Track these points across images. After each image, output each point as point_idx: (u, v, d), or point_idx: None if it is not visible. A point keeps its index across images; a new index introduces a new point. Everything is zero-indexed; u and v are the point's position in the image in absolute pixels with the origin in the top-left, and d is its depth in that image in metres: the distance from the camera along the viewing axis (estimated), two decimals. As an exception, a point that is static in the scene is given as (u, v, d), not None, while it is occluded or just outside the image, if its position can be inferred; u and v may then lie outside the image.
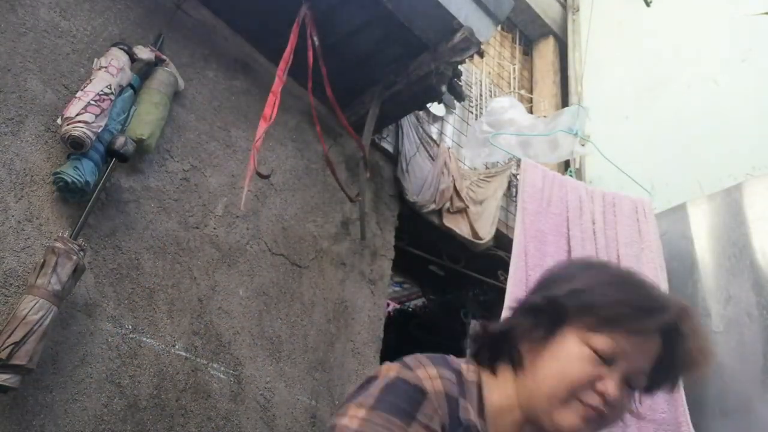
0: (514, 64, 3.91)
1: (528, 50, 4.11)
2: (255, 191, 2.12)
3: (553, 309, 0.91)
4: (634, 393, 0.90)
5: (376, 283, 2.46)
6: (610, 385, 0.86)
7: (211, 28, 2.20)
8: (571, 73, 3.79)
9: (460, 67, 2.25)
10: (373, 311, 2.41)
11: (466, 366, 0.91)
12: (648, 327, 0.88)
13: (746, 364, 1.94)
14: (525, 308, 0.95)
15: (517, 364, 0.93)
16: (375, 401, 0.76)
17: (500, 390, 0.92)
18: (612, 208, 2.23)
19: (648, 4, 3.45)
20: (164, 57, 1.92)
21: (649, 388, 0.93)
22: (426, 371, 0.83)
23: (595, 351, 0.87)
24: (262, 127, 1.81)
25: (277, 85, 1.90)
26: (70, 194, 1.60)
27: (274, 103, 1.86)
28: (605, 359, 0.87)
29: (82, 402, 1.53)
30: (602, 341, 0.88)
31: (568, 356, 0.89)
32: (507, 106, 2.67)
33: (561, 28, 4.03)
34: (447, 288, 3.67)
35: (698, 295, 2.16)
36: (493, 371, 0.93)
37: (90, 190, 1.62)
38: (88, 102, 1.59)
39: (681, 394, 1.81)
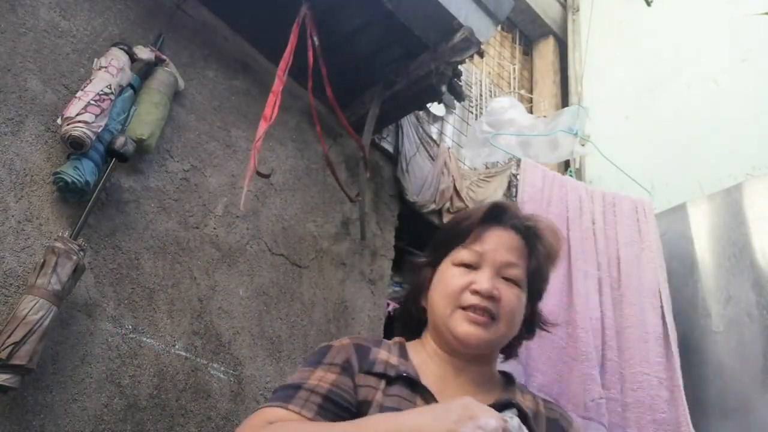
0: (514, 64, 3.91)
1: (528, 50, 4.11)
2: (255, 191, 2.12)
3: (428, 258, 1.09)
4: (518, 288, 1.01)
5: (376, 283, 2.46)
6: (481, 281, 0.98)
7: (211, 28, 2.20)
8: (571, 73, 3.79)
9: (460, 67, 2.25)
10: (373, 311, 2.41)
11: (394, 340, 1.07)
12: (472, 222, 1.04)
13: (746, 364, 1.94)
14: (413, 271, 1.13)
15: (423, 316, 1.08)
16: (303, 362, 1.00)
17: (422, 345, 1.06)
18: (612, 208, 2.23)
19: (649, 4, 3.45)
20: (164, 57, 1.92)
21: (536, 285, 1.07)
22: (343, 338, 1.01)
23: (462, 264, 1.02)
24: (263, 127, 1.81)
25: (278, 85, 1.90)
26: (70, 194, 1.60)
27: (275, 103, 1.86)
28: (471, 266, 1.01)
29: (82, 402, 1.53)
30: (462, 254, 1.03)
31: (444, 278, 1.03)
32: (507, 106, 2.67)
33: (561, 28, 4.03)
34: (447, 288, 3.67)
35: (698, 295, 2.16)
36: (419, 337, 1.08)
37: (90, 190, 1.62)
38: (88, 102, 1.59)
39: (681, 394, 1.81)
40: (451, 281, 1.01)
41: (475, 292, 0.97)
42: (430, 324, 1.06)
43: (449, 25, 2.07)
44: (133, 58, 1.81)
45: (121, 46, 1.79)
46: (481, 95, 3.50)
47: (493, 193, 2.96)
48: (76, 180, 1.56)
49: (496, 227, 1.05)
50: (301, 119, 2.39)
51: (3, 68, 1.63)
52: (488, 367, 1.05)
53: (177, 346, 1.75)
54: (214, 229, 1.97)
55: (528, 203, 2.13)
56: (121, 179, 1.78)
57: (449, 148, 2.99)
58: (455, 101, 2.66)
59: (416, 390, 0.93)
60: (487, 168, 3.13)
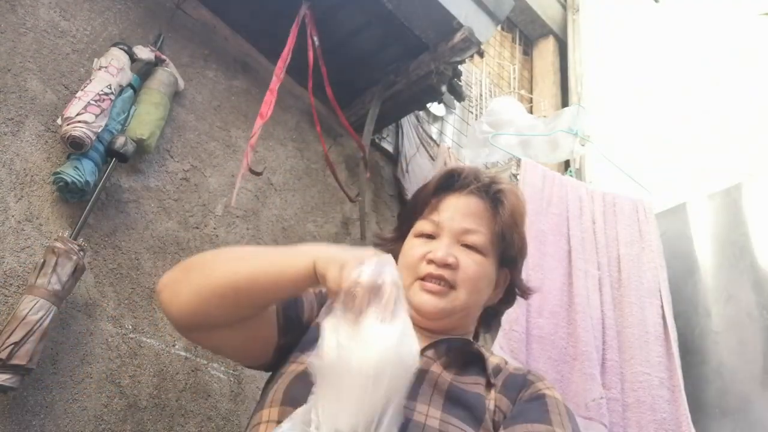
0: (514, 64, 3.91)
1: (528, 50, 4.11)
2: (255, 191, 2.12)
3: (394, 234, 1.11)
4: (480, 255, 0.98)
5: (376, 283, 2.46)
6: (437, 249, 0.97)
7: (211, 28, 2.20)
8: (571, 73, 3.79)
9: (460, 67, 2.25)
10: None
11: None
12: (429, 192, 1.05)
13: (746, 364, 1.94)
14: (381, 249, 1.11)
15: None
16: None
17: None
18: (612, 208, 2.23)
19: (657, 0, 3.43)
20: (164, 57, 1.92)
21: (506, 250, 1.04)
22: None
23: (421, 235, 1.02)
24: (258, 124, 1.82)
25: (275, 83, 1.90)
26: (70, 194, 1.60)
27: (271, 102, 1.86)
28: (431, 236, 1.01)
29: (82, 402, 1.53)
30: (422, 225, 1.03)
31: (404, 251, 1.04)
32: (507, 106, 2.67)
33: (561, 28, 4.03)
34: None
35: (698, 295, 2.16)
36: None
37: (90, 190, 1.62)
38: (88, 102, 1.59)
39: (682, 394, 1.82)
40: (409, 252, 1.01)
41: (430, 261, 0.96)
42: None
43: (449, 25, 2.07)
44: (133, 58, 1.81)
45: (121, 46, 1.79)
46: (481, 95, 3.50)
47: (493, 193, 2.96)
48: (76, 180, 1.56)
49: (454, 194, 1.04)
50: (301, 119, 2.39)
51: (3, 68, 1.63)
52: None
53: (177, 346, 1.75)
54: (214, 229, 1.97)
55: (528, 203, 2.13)
56: (121, 179, 1.78)
57: (449, 148, 2.99)
58: (455, 101, 2.66)
59: None
60: (487, 168, 3.12)
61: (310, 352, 0.85)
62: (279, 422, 0.77)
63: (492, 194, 1.04)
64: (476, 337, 1.14)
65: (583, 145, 2.60)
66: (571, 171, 2.65)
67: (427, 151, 2.83)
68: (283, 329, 0.96)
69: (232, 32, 2.26)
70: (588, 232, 2.12)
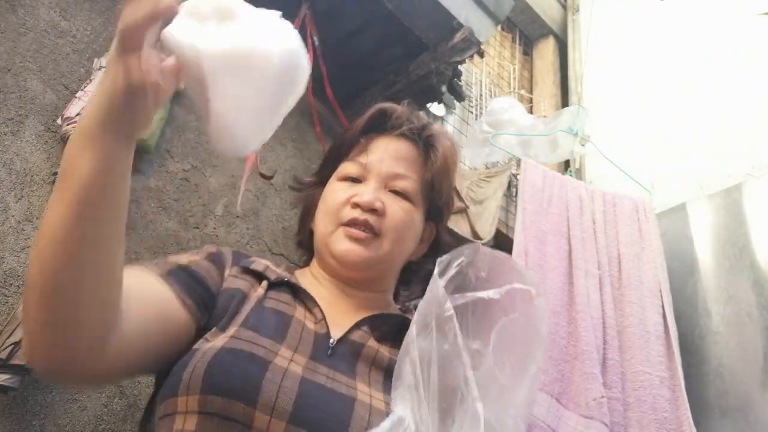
0: (514, 64, 3.91)
1: (528, 50, 4.11)
2: (255, 191, 2.12)
3: (315, 177, 1.04)
4: (408, 202, 0.92)
5: (376, 283, 2.46)
6: (363, 193, 0.90)
7: (211, 28, 2.20)
8: (571, 73, 3.79)
9: (460, 67, 2.25)
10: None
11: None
12: (356, 132, 0.97)
13: (746, 364, 1.94)
14: (300, 193, 1.08)
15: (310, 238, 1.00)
16: None
17: (309, 270, 1.00)
18: (612, 207, 2.23)
19: None
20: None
21: (434, 200, 0.98)
22: None
23: (346, 178, 0.95)
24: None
25: (276, 85, 1.89)
26: (70, 194, 1.60)
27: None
28: (356, 179, 0.94)
29: (82, 402, 1.52)
30: (347, 167, 0.96)
31: (326, 194, 0.96)
32: (507, 106, 2.67)
33: (561, 28, 4.03)
34: (447, 288, 3.66)
35: (698, 295, 2.16)
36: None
37: (90, 190, 1.61)
38: (88, 102, 1.59)
39: (682, 394, 1.82)
40: (332, 196, 0.94)
41: (356, 205, 0.89)
42: (315, 247, 0.98)
43: (449, 25, 2.07)
44: (133, 58, 1.81)
45: (121, 46, 1.79)
46: (481, 95, 3.50)
47: (493, 192, 2.96)
48: (76, 180, 1.56)
49: (384, 136, 0.97)
50: (301, 119, 2.39)
51: (3, 68, 1.63)
52: (382, 294, 0.97)
53: (177, 346, 1.75)
54: (214, 229, 1.97)
55: (528, 203, 2.13)
56: (121, 179, 1.77)
57: (449, 148, 2.99)
58: (455, 101, 2.66)
59: (298, 297, 0.87)
60: (487, 168, 3.12)
61: (223, 324, 0.78)
62: (200, 413, 0.66)
63: (424, 138, 0.98)
64: (397, 294, 1.08)
65: (583, 145, 2.60)
66: (571, 171, 2.65)
67: (427, 151, 2.83)
68: (197, 315, 0.79)
69: (232, 32, 2.25)
70: (588, 231, 2.12)
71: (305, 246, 1.07)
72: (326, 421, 0.68)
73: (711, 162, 2.69)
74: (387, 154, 0.94)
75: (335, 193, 0.94)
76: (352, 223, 0.89)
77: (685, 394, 1.82)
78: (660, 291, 2.02)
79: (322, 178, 1.02)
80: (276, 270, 0.92)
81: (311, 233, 1.00)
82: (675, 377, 1.85)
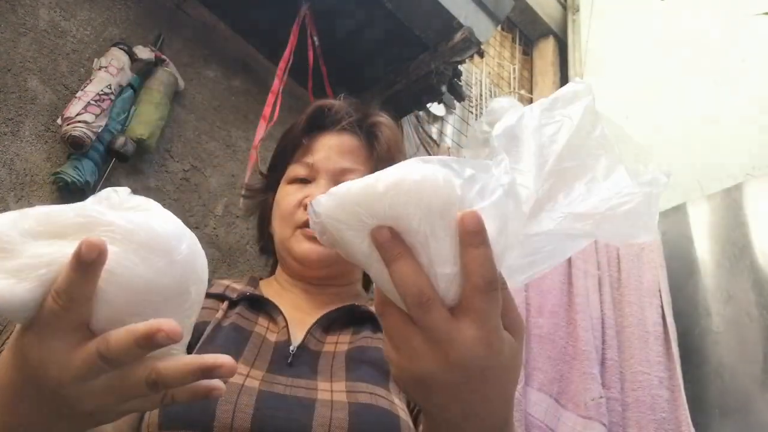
0: (514, 64, 3.91)
1: (528, 50, 4.11)
2: (255, 191, 2.12)
3: (265, 182, 1.05)
4: None
5: (376, 283, 2.46)
6: (313, 193, 0.90)
7: (211, 28, 2.20)
8: (571, 73, 3.79)
9: (460, 67, 2.25)
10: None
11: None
12: (297, 133, 0.99)
13: (746, 364, 1.94)
14: (252, 201, 1.07)
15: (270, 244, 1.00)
16: None
17: (275, 278, 0.99)
18: (612, 207, 2.23)
19: None
20: (164, 57, 1.92)
21: None
22: None
23: (295, 180, 0.95)
24: (262, 126, 1.81)
25: (277, 85, 1.90)
26: (70, 194, 1.60)
27: (275, 103, 1.86)
28: (304, 179, 0.95)
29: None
30: (294, 169, 0.97)
31: (279, 199, 0.96)
32: (507, 106, 2.67)
33: (561, 28, 4.03)
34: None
35: (698, 295, 2.16)
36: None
37: (90, 190, 1.62)
38: (88, 102, 1.59)
39: (681, 394, 1.82)
40: (284, 200, 0.94)
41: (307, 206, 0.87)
42: (276, 252, 0.99)
43: (449, 25, 2.07)
44: (133, 58, 1.81)
45: (121, 46, 1.79)
46: (481, 95, 3.50)
47: (493, 193, 2.96)
48: (76, 180, 1.56)
49: (326, 133, 0.97)
50: (301, 119, 2.39)
51: (3, 68, 1.63)
52: (348, 287, 0.97)
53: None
54: (214, 229, 1.97)
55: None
56: (121, 179, 1.78)
57: (449, 148, 2.99)
58: (455, 101, 2.66)
59: (261, 309, 0.86)
60: (487, 168, 3.12)
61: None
62: None
63: (366, 128, 0.98)
64: (366, 283, 1.08)
65: (583, 145, 2.60)
66: (571, 171, 2.64)
67: (427, 151, 2.83)
68: None
69: (232, 32, 2.26)
70: (588, 231, 2.12)
71: (267, 251, 1.08)
72: (287, 429, 0.67)
73: (711, 162, 2.69)
74: (332, 151, 0.96)
75: (287, 197, 0.95)
76: (307, 224, 0.87)
77: (684, 394, 1.82)
78: (659, 291, 2.02)
79: (271, 183, 1.03)
80: (236, 287, 0.91)
81: (271, 238, 1.02)
82: (674, 378, 1.85)
